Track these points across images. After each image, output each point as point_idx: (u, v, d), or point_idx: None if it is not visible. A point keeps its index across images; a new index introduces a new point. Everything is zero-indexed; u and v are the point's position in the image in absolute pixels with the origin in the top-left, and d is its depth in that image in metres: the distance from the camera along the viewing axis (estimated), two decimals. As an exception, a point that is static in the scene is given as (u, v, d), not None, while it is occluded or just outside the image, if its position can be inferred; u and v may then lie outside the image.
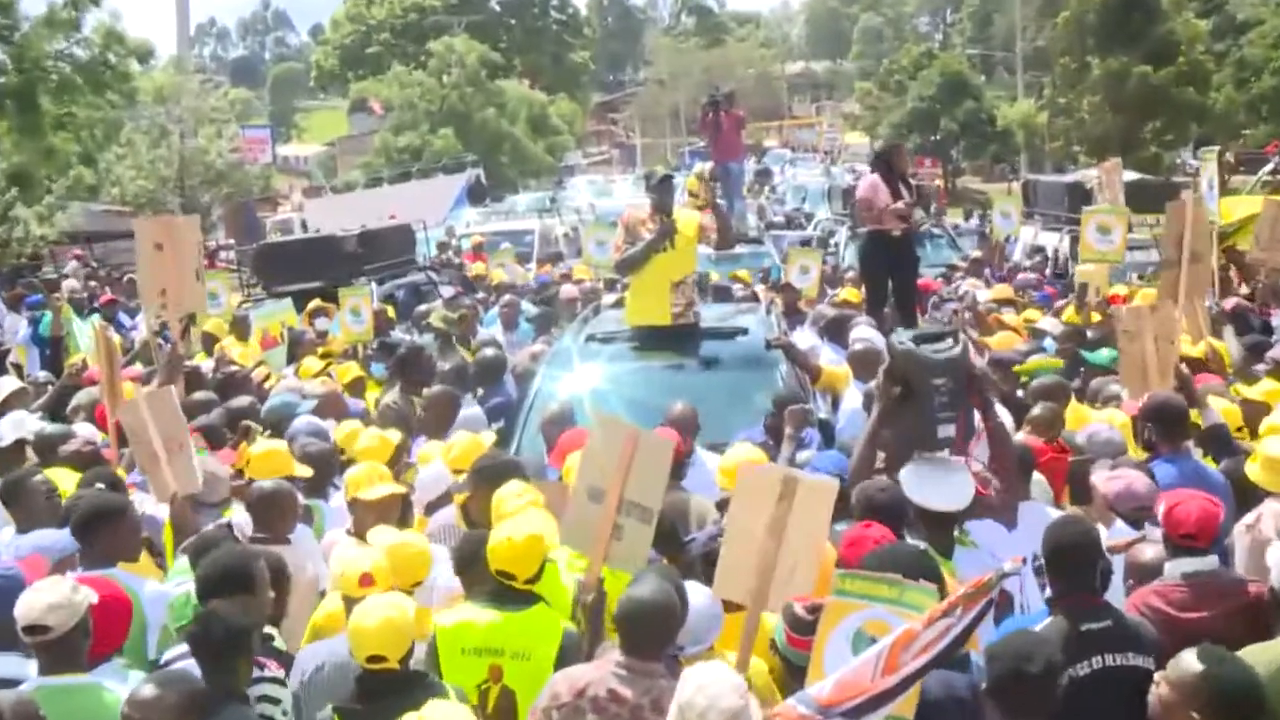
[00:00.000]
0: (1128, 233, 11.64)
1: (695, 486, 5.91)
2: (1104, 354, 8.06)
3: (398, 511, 5.66)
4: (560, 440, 6.28)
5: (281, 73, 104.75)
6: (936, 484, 4.69)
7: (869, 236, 10.78)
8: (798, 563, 4.05)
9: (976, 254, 16.44)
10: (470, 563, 4.65)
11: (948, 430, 4.77)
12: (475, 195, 33.25)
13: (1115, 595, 4.50)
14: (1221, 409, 6.56)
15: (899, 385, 4.89)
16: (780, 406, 6.64)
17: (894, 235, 10.39)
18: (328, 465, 6.33)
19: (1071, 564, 4.22)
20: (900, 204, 10.23)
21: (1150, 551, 4.67)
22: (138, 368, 9.41)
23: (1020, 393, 7.30)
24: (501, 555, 4.41)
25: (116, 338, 9.26)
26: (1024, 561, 4.01)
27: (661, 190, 8.12)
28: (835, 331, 9.59)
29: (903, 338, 4.97)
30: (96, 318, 12.57)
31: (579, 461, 4.77)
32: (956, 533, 4.76)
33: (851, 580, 3.76)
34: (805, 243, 18.51)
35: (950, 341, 4.87)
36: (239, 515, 5.64)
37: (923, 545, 4.39)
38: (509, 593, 4.43)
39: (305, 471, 6.12)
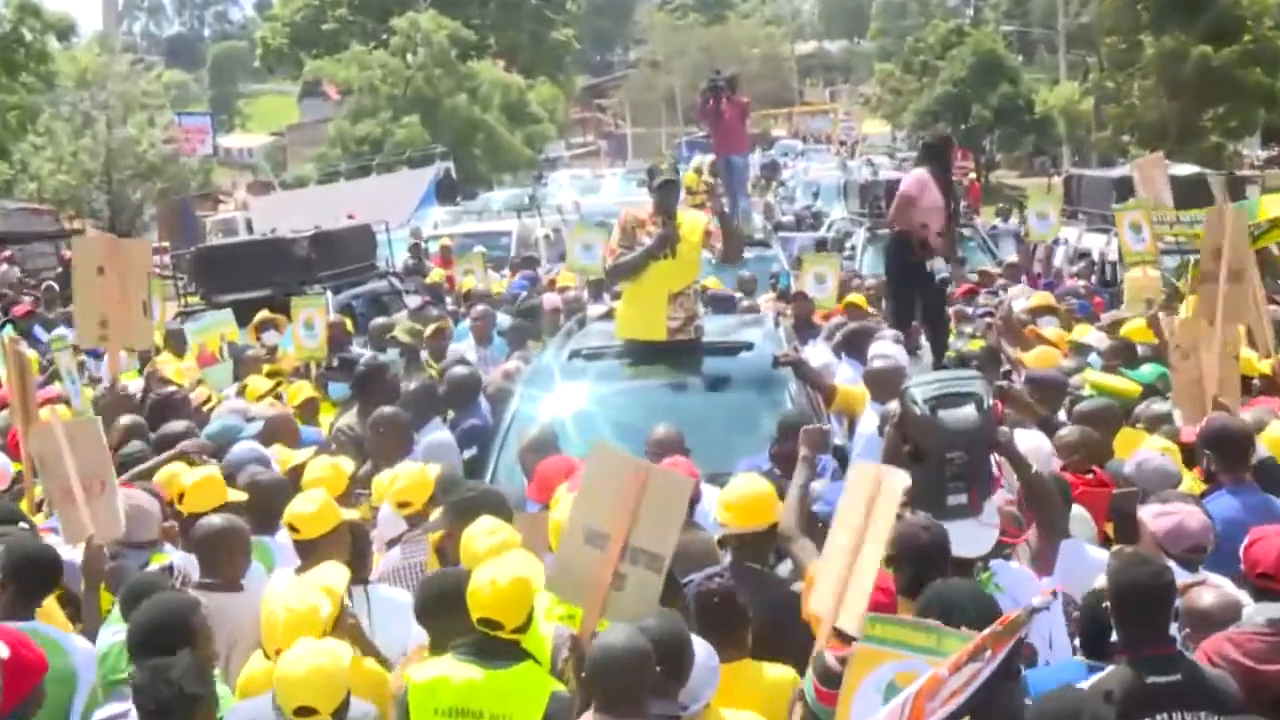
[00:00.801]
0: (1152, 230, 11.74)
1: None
2: (1147, 371, 8.10)
3: (344, 548, 5.67)
4: (540, 469, 6.32)
5: (223, 52, 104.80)
6: (954, 523, 4.73)
7: (895, 238, 10.82)
8: (864, 572, 4.13)
9: (1012, 259, 16.52)
10: (435, 609, 4.66)
11: (959, 499, 4.80)
12: (444, 192, 33.34)
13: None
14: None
15: (909, 445, 4.92)
16: (787, 431, 6.68)
17: (925, 239, 10.44)
18: (277, 497, 6.33)
19: (1142, 609, 4.22)
20: (936, 237, 10.26)
21: (1210, 596, 4.70)
22: (56, 387, 9.42)
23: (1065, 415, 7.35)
24: (485, 602, 4.41)
25: (32, 354, 9.27)
26: (1055, 595, 4.03)
27: (664, 193, 8.18)
28: (853, 346, 9.62)
29: (919, 394, 4.93)
30: (9, 330, 12.58)
31: (575, 499, 4.78)
32: (981, 575, 4.80)
33: (884, 626, 3.74)
34: (820, 245, 18.55)
35: (973, 409, 4.84)
36: (180, 557, 5.64)
37: (975, 583, 4.42)
38: (493, 645, 4.43)
39: (240, 496, 6.13)
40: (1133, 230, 12.26)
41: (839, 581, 4.22)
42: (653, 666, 4.03)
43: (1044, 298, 11.62)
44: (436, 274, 17.15)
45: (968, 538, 4.71)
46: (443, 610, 4.63)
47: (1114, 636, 4.34)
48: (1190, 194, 14.00)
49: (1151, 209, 12.54)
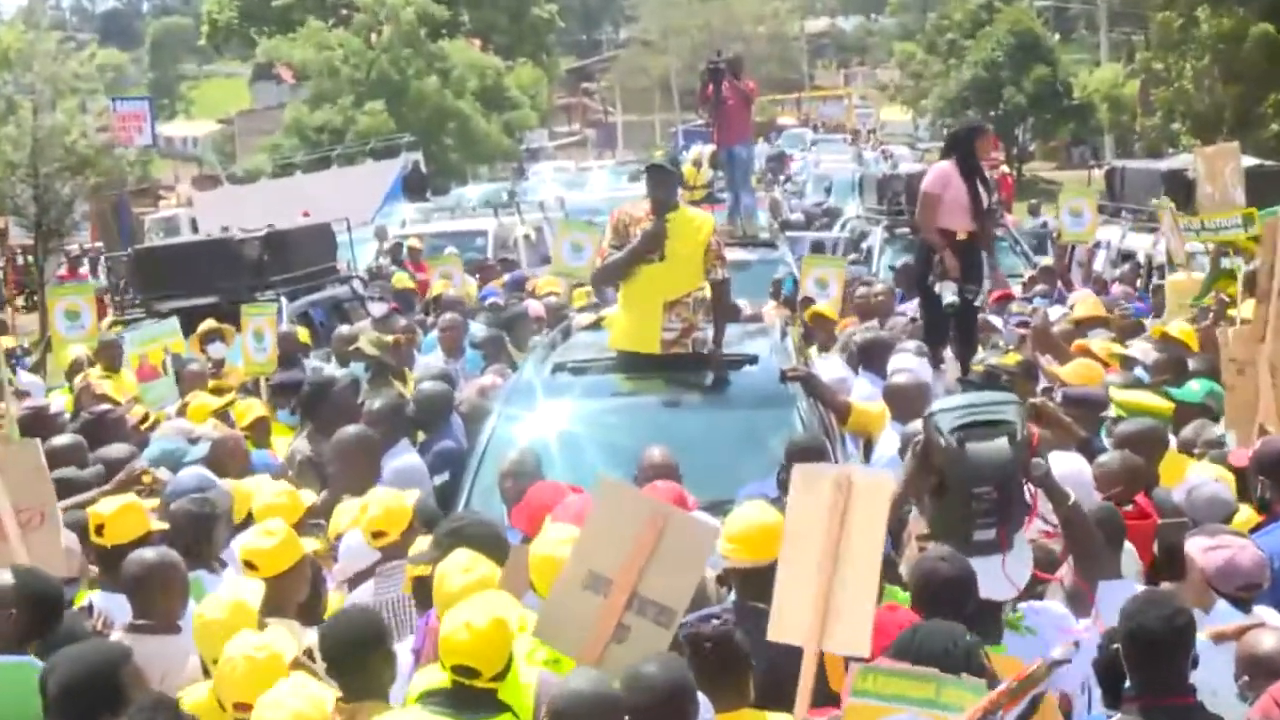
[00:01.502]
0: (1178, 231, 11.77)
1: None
2: (1195, 388, 8.10)
3: (304, 585, 5.68)
4: (530, 497, 6.33)
5: (164, 30, 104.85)
6: (980, 560, 4.75)
7: (922, 250, 10.84)
8: (855, 585, 4.13)
9: (1047, 262, 16.53)
10: (344, 657, 4.64)
11: (986, 534, 4.82)
12: (412, 187, 33.34)
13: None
14: None
15: (934, 476, 4.93)
16: (796, 455, 6.70)
17: (959, 238, 10.46)
18: (206, 526, 6.32)
19: (1156, 654, 4.29)
20: (950, 259, 10.27)
21: (1270, 640, 4.73)
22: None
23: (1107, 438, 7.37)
24: (461, 647, 4.43)
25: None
26: (1076, 646, 4.05)
27: (655, 181, 8.19)
28: (870, 359, 9.66)
29: (944, 423, 4.94)
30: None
31: (578, 539, 4.79)
32: (1009, 614, 4.82)
33: (874, 677, 3.77)
34: (817, 248, 18.53)
35: (1004, 442, 4.85)
36: (101, 597, 5.64)
37: (959, 626, 4.43)
38: (468, 695, 4.43)
39: (161, 525, 6.13)
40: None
41: (816, 603, 4.21)
42: (619, 714, 4.07)
43: (1092, 306, 11.58)
44: (400, 278, 17.17)
45: (995, 577, 4.72)
46: (353, 659, 4.65)
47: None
48: (1250, 189, 14.01)
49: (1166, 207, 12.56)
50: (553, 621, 4.63)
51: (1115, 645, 4.44)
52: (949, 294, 10.29)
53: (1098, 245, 16.37)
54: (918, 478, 4.98)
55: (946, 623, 4.31)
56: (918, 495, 5.07)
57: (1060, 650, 3.64)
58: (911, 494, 5.08)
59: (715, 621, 4.75)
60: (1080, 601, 5.17)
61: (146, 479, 6.99)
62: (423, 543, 5.75)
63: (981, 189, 10.55)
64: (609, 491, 4.80)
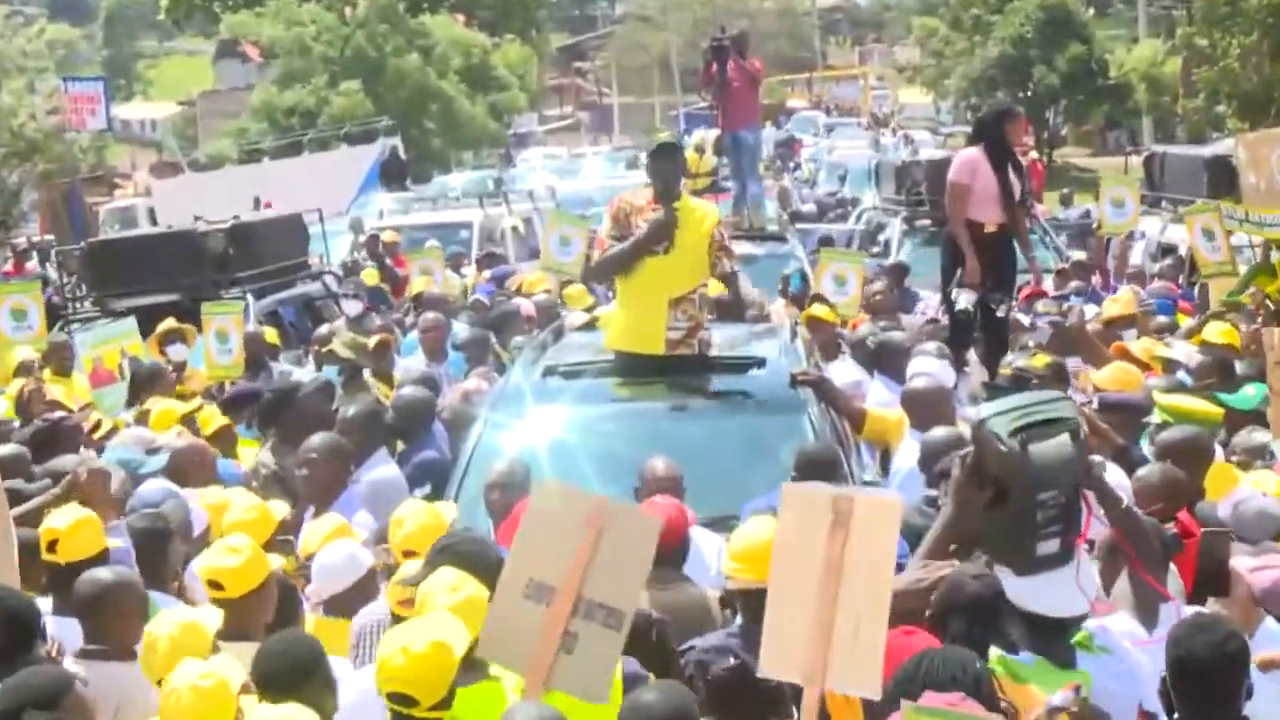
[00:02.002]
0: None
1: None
2: (1249, 394, 8.10)
3: (271, 607, 5.68)
4: (519, 512, 6.33)
5: (119, 3, 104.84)
6: (1047, 575, 4.75)
7: (950, 243, 10.84)
8: (861, 616, 4.13)
9: (1080, 256, 16.54)
10: (284, 684, 4.64)
11: (1050, 546, 4.80)
12: (390, 174, 33.33)
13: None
14: None
15: (988, 488, 4.89)
16: (807, 467, 6.72)
17: (987, 231, 10.47)
18: (159, 543, 6.31)
19: (1205, 685, 4.29)
20: (972, 265, 10.29)
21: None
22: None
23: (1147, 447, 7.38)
24: (396, 673, 4.44)
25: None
26: (1076, 690, 4.05)
27: (662, 164, 8.19)
28: (887, 361, 9.67)
29: (1001, 427, 4.86)
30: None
31: (513, 546, 4.79)
32: (1079, 635, 4.81)
33: (919, 717, 3.77)
34: (825, 241, 18.49)
35: (1067, 439, 4.81)
36: (54, 622, 5.62)
37: (969, 652, 4.42)
38: None
39: (116, 543, 6.13)
40: (1205, 236, 12.30)
41: (815, 635, 4.21)
42: None
43: (1125, 304, 11.58)
44: (369, 273, 17.17)
45: (1064, 593, 4.71)
46: (287, 684, 4.65)
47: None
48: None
49: (1214, 209, 12.56)
50: (496, 637, 4.64)
51: (1161, 674, 4.44)
52: (964, 300, 10.31)
53: (1130, 236, 16.36)
54: (969, 494, 4.91)
55: (955, 649, 4.33)
56: (971, 511, 4.99)
57: (1060, 696, 3.66)
58: (965, 513, 4.99)
59: (732, 661, 4.77)
60: (1146, 614, 5.16)
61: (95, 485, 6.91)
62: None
63: (1014, 177, 10.55)
64: (543, 493, 4.83)
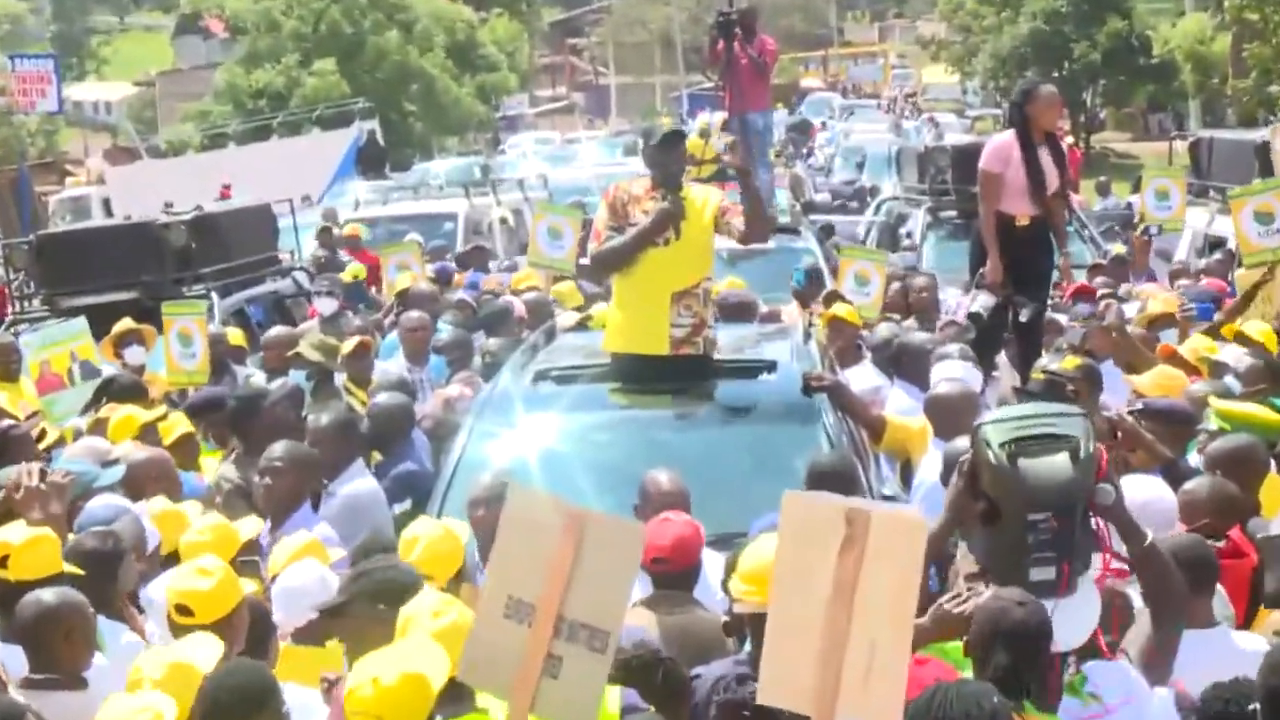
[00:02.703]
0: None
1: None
2: None
3: (243, 635, 5.68)
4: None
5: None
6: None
7: (979, 234, 10.83)
8: (876, 645, 4.12)
9: (1120, 250, 16.54)
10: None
11: (1045, 573, 4.80)
12: (368, 161, 33.38)
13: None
14: None
15: (981, 501, 4.91)
16: (822, 480, 6.71)
17: (1019, 225, 10.45)
18: (109, 564, 6.27)
19: None
20: (992, 269, 10.27)
21: None
22: None
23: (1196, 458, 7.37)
24: (364, 705, 4.45)
25: None
26: None
27: (665, 153, 8.19)
28: (909, 365, 9.67)
29: (994, 435, 4.89)
30: None
31: (491, 561, 4.79)
32: (1071, 678, 4.82)
33: None
34: (827, 231, 18.45)
35: (1065, 458, 4.78)
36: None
37: (986, 685, 4.40)
38: None
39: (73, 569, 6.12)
40: (1259, 220, 12.28)
41: (823, 663, 4.20)
42: None
43: (1168, 302, 11.58)
44: (355, 269, 17.14)
45: (1058, 623, 4.71)
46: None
47: None
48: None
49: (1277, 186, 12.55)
50: (477, 660, 4.62)
51: (1252, 707, 4.41)
52: (979, 303, 10.29)
53: (1145, 232, 16.31)
54: (964, 502, 4.97)
55: (972, 682, 4.33)
56: (965, 524, 5.04)
57: None
58: (957, 523, 5.07)
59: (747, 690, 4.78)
60: (1157, 660, 5.15)
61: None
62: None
63: (1051, 164, 10.47)
64: (517, 500, 4.81)
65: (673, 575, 6.06)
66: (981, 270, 10.50)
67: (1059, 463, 4.79)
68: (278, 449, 7.69)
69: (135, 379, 10.66)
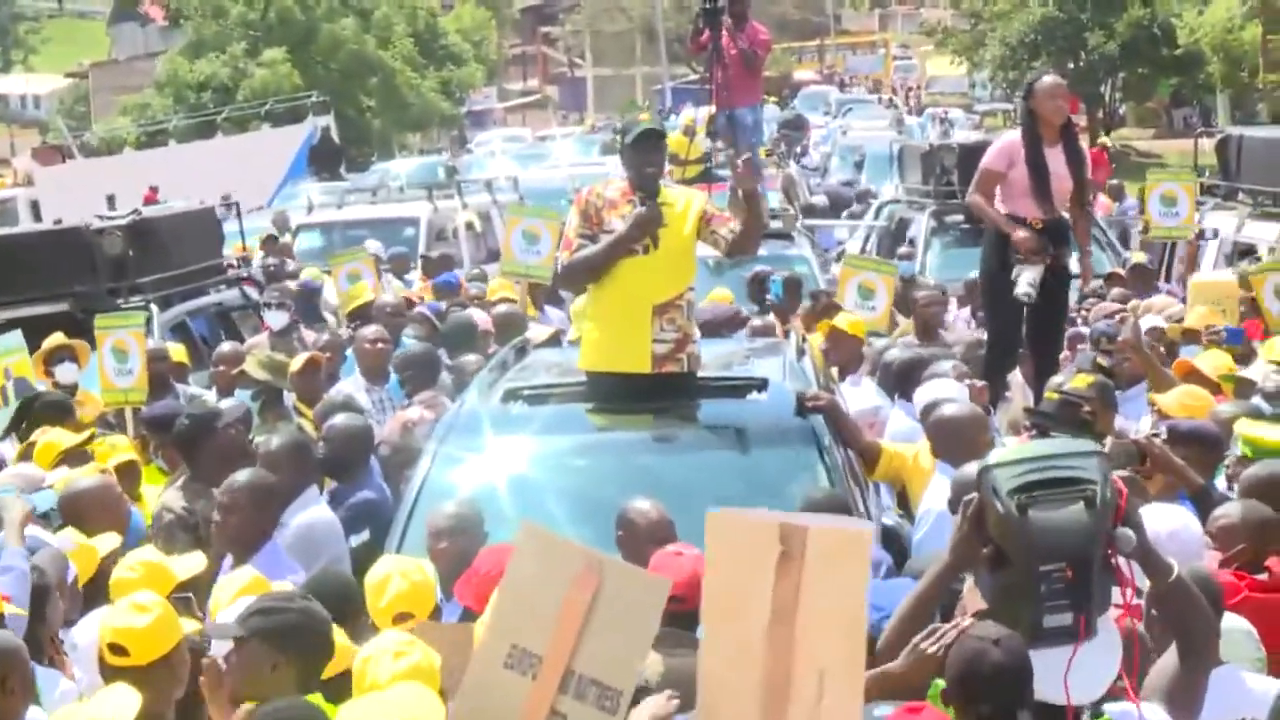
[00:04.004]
0: None
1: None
2: None
3: (182, 678, 5.67)
4: (480, 564, 6.33)
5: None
6: (1048, 652, 4.75)
7: (993, 235, 10.84)
8: (826, 675, 4.12)
9: (1139, 258, 16.56)
10: None
11: (1060, 619, 4.78)
12: (321, 160, 33.40)
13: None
14: None
15: (989, 545, 4.91)
16: (815, 509, 6.73)
17: (1032, 226, 10.45)
18: (36, 603, 6.25)
19: None
20: (1022, 233, 10.21)
21: None
22: None
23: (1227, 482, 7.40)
24: None
25: None
26: None
27: (642, 154, 8.16)
28: (912, 386, 9.68)
29: (1002, 480, 4.83)
30: None
31: (493, 605, 4.79)
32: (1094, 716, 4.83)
33: None
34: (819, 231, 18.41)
35: (1081, 508, 4.73)
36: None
37: None
38: None
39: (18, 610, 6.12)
40: None
41: (767, 695, 4.20)
42: None
43: (1204, 317, 11.57)
44: (311, 272, 17.13)
45: (1075, 673, 4.72)
46: None
47: None
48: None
49: None
50: (473, 711, 4.63)
51: None
52: (1025, 281, 10.21)
53: (1202, 236, 16.32)
54: (968, 547, 4.96)
55: None
56: (971, 566, 5.04)
57: None
58: (961, 568, 5.07)
59: None
60: (1186, 700, 5.17)
61: None
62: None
63: (1064, 166, 10.46)
64: (531, 541, 4.80)
65: (675, 613, 6.07)
66: (1010, 250, 10.39)
67: (1073, 513, 4.75)
68: (240, 479, 7.64)
69: (61, 398, 10.59)
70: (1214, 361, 9.84)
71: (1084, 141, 15.55)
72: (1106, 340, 10.54)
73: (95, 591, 6.78)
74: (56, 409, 10.13)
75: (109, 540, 7.09)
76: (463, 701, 4.63)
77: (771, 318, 12.77)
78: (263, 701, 4.80)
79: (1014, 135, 10.90)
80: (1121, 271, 15.71)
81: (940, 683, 4.75)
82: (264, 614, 5.41)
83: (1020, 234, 10.24)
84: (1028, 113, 10.65)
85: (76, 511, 7.64)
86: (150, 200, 21.91)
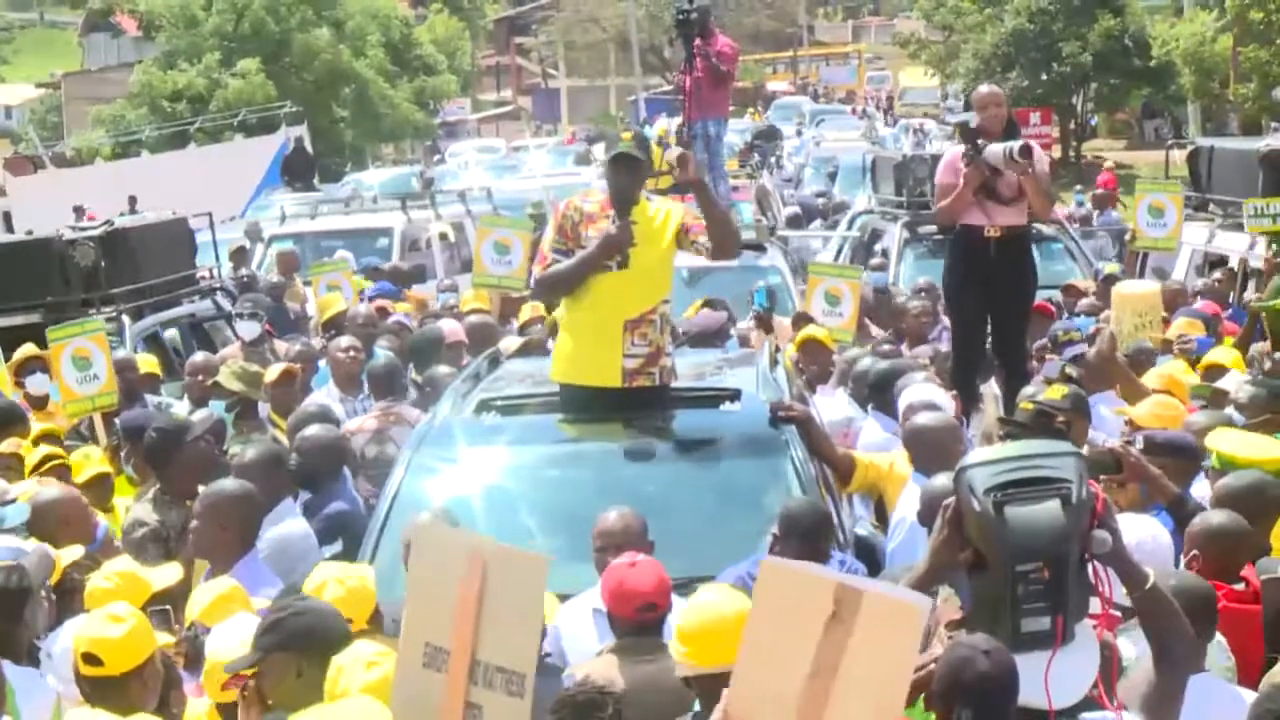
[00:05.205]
0: None
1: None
2: None
3: (154, 689, 5.66)
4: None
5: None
6: (1030, 656, 4.76)
7: (955, 244, 10.85)
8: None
9: (1112, 268, 16.59)
10: None
11: (1039, 623, 4.80)
12: (294, 170, 33.33)
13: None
14: None
15: (967, 549, 4.92)
16: (791, 528, 6.73)
17: (988, 236, 10.46)
18: (14, 604, 6.18)
19: None
20: (1009, 147, 10.06)
21: None
22: None
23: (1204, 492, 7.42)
24: None
25: None
26: None
27: (620, 172, 8.18)
28: (884, 396, 9.69)
29: (978, 480, 4.85)
30: None
31: (405, 606, 4.79)
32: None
33: None
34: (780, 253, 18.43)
35: (1056, 506, 4.75)
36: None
37: None
38: None
39: None
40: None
41: None
42: None
43: (1185, 325, 11.63)
44: (293, 291, 17.07)
45: (1054, 677, 4.73)
46: None
47: None
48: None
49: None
50: (402, 715, 4.62)
51: None
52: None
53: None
54: (947, 551, 4.97)
55: None
56: (949, 573, 5.05)
57: None
58: (939, 572, 5.07)
59: None
60: (1163, 709, 5.17)
61: None
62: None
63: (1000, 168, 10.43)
64: (425, 537, 4.77)
65: (644, 621, 6.06)
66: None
67: (1049, 510, 4.75)
68: (226, 488, 7.63)
69: (10, 405, 10.59)
70: (1168, 370, 9.91)
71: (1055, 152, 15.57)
72: (1072, 362, 10.57)
73: (59, 600, 6.81)
74: (6, 419, 10.11)
75: (72, 551, 7.07)
76: (395, 708, 4.63)
77: (752, 324, 12.79)
78: (298, 708, 4.78)
79: (957, 148, 10.91)
80: (1080, 285, 15.73)
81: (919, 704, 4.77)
82: (274, 628, 5.42)
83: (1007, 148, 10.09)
84: (966, 126, 10.70)
85: (43, 523, 7.63)
86: (129, 209, 21.83)
